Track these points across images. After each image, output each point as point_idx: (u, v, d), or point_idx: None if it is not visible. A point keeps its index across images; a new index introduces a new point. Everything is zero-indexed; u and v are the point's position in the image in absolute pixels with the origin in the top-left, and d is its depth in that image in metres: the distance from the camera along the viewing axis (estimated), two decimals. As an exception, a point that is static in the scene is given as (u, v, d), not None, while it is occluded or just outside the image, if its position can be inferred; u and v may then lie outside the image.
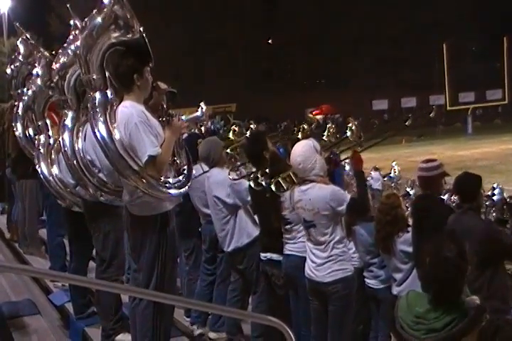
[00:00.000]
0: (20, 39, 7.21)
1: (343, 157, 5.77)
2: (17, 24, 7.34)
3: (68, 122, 5.24)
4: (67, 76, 5.24)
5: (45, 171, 5.91)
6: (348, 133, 5.26)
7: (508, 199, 11.01)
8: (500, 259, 5.12)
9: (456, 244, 3.36)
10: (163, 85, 4.93)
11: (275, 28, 55.93)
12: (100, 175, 4.97)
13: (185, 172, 4.63)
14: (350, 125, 5.28)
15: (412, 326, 3.33)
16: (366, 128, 5.94)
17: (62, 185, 5.80)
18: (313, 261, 5.02)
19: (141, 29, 4.35)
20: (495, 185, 11.37)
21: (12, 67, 7.27)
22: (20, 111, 6.71)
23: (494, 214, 10.83)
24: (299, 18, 53.97)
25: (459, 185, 5.37)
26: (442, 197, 6.02)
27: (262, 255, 5.54)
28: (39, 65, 6.40)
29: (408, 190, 10.50)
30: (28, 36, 7.17)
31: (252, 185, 5.26)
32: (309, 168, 4.96)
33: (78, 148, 5.08)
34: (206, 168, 6.05)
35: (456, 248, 3.33)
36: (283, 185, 5.14)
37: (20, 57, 7.13)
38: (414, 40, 53.73)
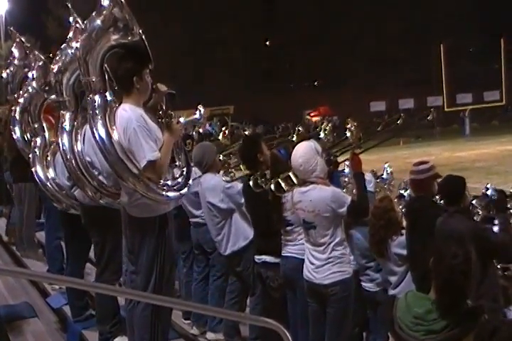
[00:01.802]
0: (14, 43, 7.21)
1: (341, 159, 5.76)
2: (11, 28, 7.35)
3: (66, 124, 5.21)
4: (66, 77, 5.23)
5: (41, 174, 5.90)
6: (348, 135, 5.26)
7: (492, 196, 10.96)
8: (489, 258, 5.10)
9: (463, 249, 3.34)
10: (162, 87, 4.93)
11: (274, 29, 55.90)
12: (100, 177, 4.95)
13: (184, 174, 4.62)
14: (349, 126, 5.28)
15: (411, 327, 3.32)
16: (367, 129, 5.95)
17: (57, 188, 5.79)
18: (312, 263, 5.01)
19: (141, 31, 4.34)
20: (488, 186, 11.36)
21: (8, 71, 7.26)
22: (17, 115, 6.71)
23: (480, 212, 10.78)
24: (298, 19, 53.97)
25: (443, 189, 5.37)
26: (435, 199, 6.00)
27: (257, 257, 5.53)
28: (34, 67, 6.39)
29: (402, 191, 10.45)
30: (23, 39, 7.16)
31: (252, 187, 5.25)
32: (310, 169, 4.95)
33: (77, 150, 5.07)
34: (199, 173, 6.04)
35: (462, 254, 3.31)
36: (283, 185, 5.13)
37: (15, 61, 7.12)
38: (412, 41, 53.73)
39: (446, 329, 3.22)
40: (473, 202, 10.74)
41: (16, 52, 7.10)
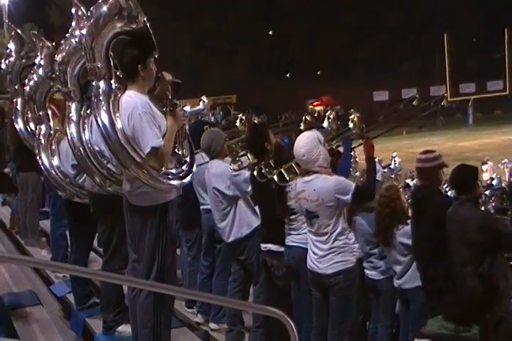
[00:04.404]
0: (11, 37, 7.22)
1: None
2: (7, 21, 7.38)
3: (73, 114, 5.20)
4: (70, 67, 5.22)
5: (46, 162, 5.90)
6: (351, 125, 5.26)
7: (506, 188, 10.97)
8: (497, 249, 5.11)
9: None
10: (168, 76, 4.93)
11: (276, 19, 55.79)
12: (109, 165, 4.95)
13: (187, 162, 4.62)
14: (352, 117, 5.27)
15: None
16: (370, 119, 5.96)
17: (62, 176, 5.80)
18: (315, 253, 5.01)
19: (146, 20, 4.34)
20: (494, 176, 11.39)
21: (6, 62, 7.26)
22: (19, 107, 6.70)
23: (494, 203, 10.76)
24: (300, 9, 53.87)
25: (455, 177, 5.36)
26: (441, 188, 6.00)
27: (262, 246, 5.53)
28: (41, 55, 6.37)
29: (408, 181, 10.44)
30: (19, 32, 7.16)
31: (257, 177, 5.25)
32: (313, 159, 4.94)
33: (85, 140, 5.06)
34: (207, 158, 6.05)
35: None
36: (285, 175, 5.13)
37: (13, 53, 7.12)
38: (415, 30, 53.61)
39: None
40: (487, 192, 10.75)
41: (12, 46, 7.12)
